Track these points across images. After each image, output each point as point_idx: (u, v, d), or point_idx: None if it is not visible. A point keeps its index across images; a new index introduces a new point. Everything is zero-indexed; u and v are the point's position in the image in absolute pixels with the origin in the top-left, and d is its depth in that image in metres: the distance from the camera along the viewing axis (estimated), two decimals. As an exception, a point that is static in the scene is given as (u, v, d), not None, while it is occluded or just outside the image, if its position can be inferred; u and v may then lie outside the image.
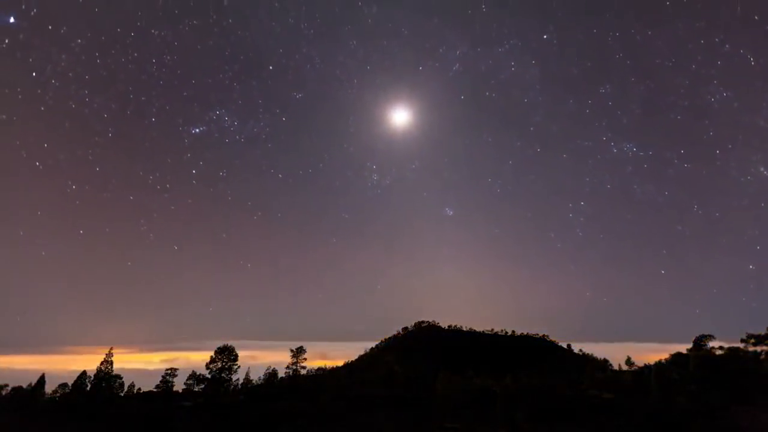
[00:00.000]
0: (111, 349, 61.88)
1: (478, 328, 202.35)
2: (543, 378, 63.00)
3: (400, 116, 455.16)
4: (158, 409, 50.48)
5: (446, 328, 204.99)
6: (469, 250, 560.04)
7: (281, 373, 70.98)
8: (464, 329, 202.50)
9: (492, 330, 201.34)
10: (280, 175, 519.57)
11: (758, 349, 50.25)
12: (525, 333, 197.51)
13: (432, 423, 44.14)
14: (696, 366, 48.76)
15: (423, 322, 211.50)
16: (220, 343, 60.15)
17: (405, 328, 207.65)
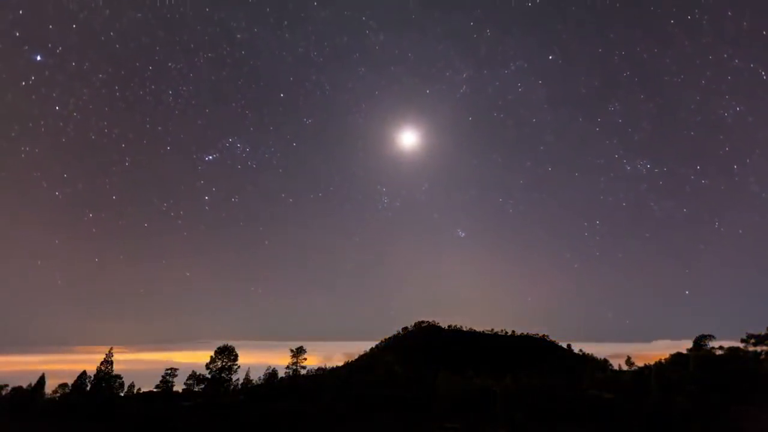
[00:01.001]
0: (111, 349, 61.91)
1: (478, 328, 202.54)
2: (543, 378, 62.93)
3: (409, 139, 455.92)
4: (158, 409, 50.44)
5: (446, 328, 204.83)
6: (481, 268, 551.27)
7: (281, 373, 71.01)
8: (464, 329, 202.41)
9: (492, 330, 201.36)
10: (290, 200, 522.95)
11: (758, 349, 50.31)
12: (525, 333, 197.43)
13: (432, 423, 44.12)
14: (696, 366, 48.75)
15: (423, 322, 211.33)
16: (220, 343, 60.22)
17: (405, 328, 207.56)
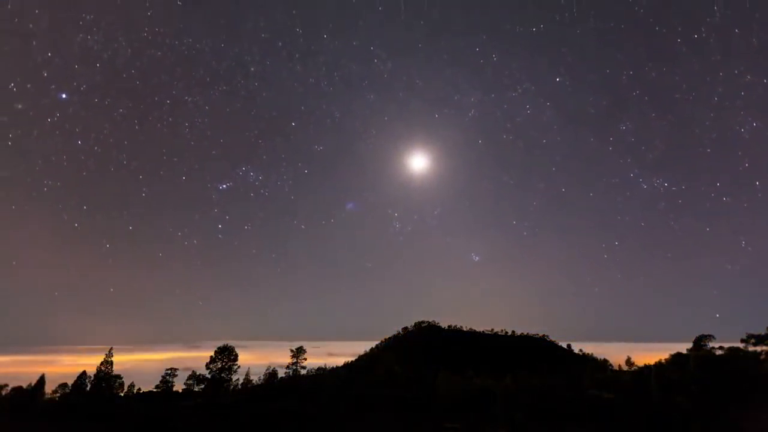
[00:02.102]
0: (111, 349, 61.91)
1: (478, 328, 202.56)
2: (543, 378, 62.88)
3: (419, 163, 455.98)
4: (158, 409, 50.44)
5: (446, 328, 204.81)
6: (497, 296, 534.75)
7: (281, 373, 70.99)
8: (464, 329, 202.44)
9: (492, 330, 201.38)
10: (303, 226, 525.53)
11: (758, 349, 50.24)
12: (525, 333, 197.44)
13: (432, 423, 44.12)
14: (696, 366, 48.70)
15: (423, 322, 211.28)
16: (220, 343, 60.22)
17: (405, 328, 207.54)
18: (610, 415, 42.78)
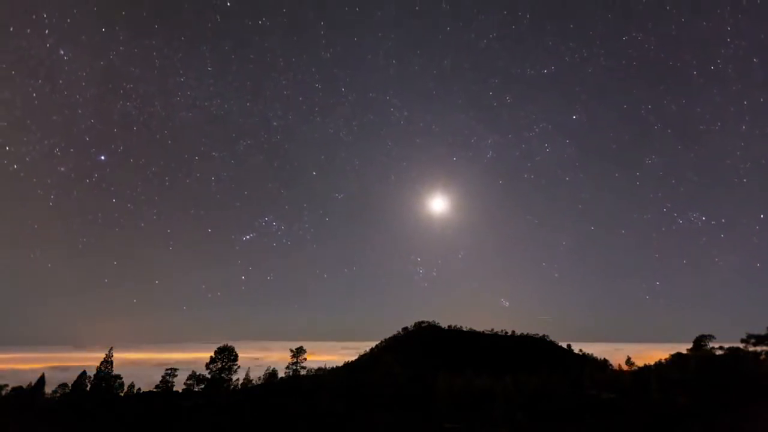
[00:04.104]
0: (111, 349, 61.87)
1: (478, 328, 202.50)
2: (543, 378, 62.93)
3: (440, 206, 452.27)
4: (158, 409, 50.45)
5: (446, 328, 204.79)
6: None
7: (281, 373, 70.92)
8: (464, 329, 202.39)
9: (492, 330, 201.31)
10: (325, 275, 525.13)
11: (758, 349, 50.23)
12: (525, 333, 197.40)
13: (432, 423, 44.13)
14: (696, 366, 48.72)
15: (423, 322, 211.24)
16: (220, 343, 60.15)
17: (405, 328, 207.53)
18: (610, 415, 42.78)
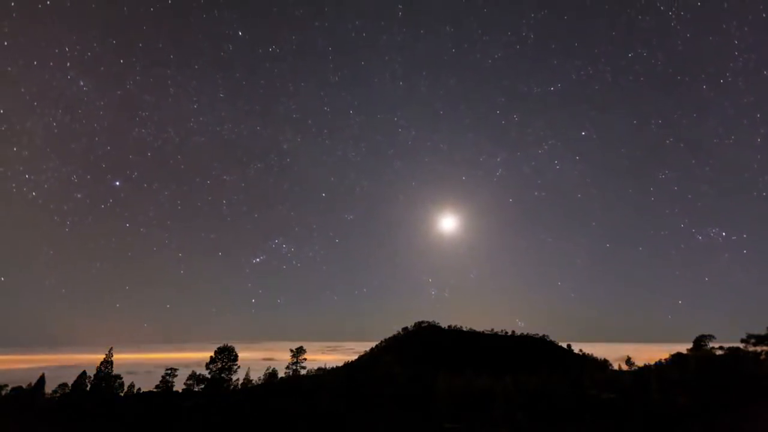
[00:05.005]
0: (111, 349, 61.89)
1: (478, 328, 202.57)
2: (543, 378, 62.91)
3: (450, 225, 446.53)
4: (158, 409, 50.45)
5: (446, 328, 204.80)
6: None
7: (281, 373, 70.94)
8: (464, 329, 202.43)
9: (492, 330, 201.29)
10: (335, 297, 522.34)
11: (758, 349, 50.24)
12: (525, 333, 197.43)
13: (432, 423, 44.13)
14: (696, 366, 48.72)
15: (423, 322, 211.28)
16: (220, 343, 60.16)
17: (405, 328, 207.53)
18: (610, 415, 42.78)
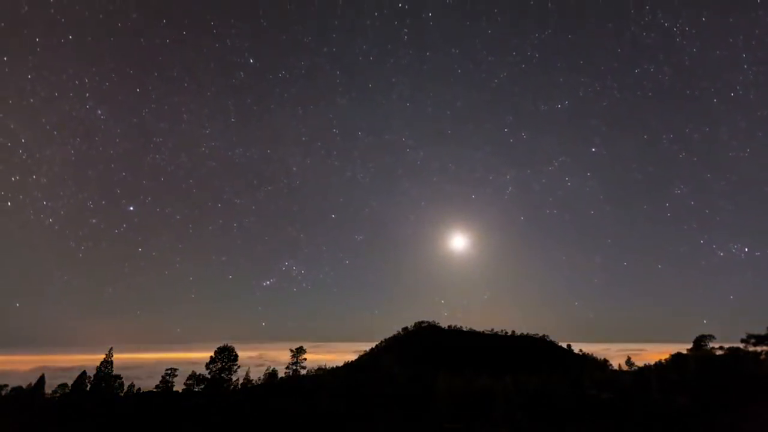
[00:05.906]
0: (111, 349, 61.89)
1: (478, 328, 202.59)
2: (543, 378, 62.89)
3: (461, 245, 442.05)
4: (158, 410, 50.43)
5: (446, 328, 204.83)
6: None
7: (281, 373, 70.91)
8: (464, 329, 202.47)
9: (492, 330, 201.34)
10: (346, 321, 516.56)
11: (758, 349, 50.25)
12: (525, 333, 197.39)
13: (432, 423, 44.12)
14: (696, 366, 48.72)
15: (423, 322, 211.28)
16: (220, 343, 60.15)
17: (405, 328, 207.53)
18: (610, 414, 42.77)
